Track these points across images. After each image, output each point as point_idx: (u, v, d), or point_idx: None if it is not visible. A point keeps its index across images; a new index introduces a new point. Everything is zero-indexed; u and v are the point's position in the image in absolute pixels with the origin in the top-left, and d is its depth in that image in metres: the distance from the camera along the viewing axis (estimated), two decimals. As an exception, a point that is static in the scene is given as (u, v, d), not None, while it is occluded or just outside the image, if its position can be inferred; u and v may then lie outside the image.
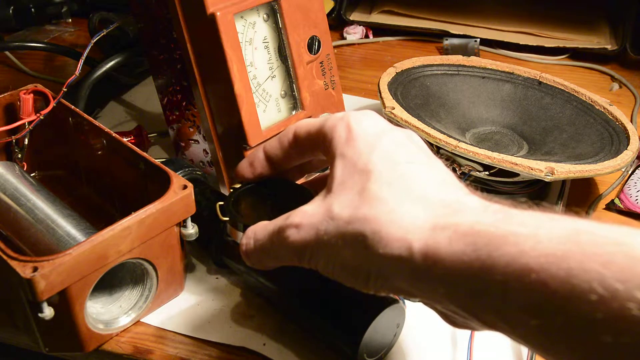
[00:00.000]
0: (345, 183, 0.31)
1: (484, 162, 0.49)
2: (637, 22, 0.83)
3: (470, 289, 0.26)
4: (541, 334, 0.25)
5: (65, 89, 0.48)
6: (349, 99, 0.68)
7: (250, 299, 0.45)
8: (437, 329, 0.42)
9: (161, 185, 0.41)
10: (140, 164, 0.44)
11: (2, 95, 0.51)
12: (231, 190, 0.40)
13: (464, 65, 0.65)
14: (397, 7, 0.90)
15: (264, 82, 0.49)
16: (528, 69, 0.65)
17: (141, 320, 0.43)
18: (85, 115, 0.49)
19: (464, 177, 0.51)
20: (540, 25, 0.87)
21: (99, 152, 0.49)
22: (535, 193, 0.54)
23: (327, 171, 0.35)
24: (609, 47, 0.82)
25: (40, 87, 0.50)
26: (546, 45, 0.83)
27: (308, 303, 0.41)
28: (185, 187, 0.41)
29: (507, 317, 0.26)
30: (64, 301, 0.36)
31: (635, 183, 0.57)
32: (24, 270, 0.34)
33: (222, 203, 0.39)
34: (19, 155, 0.52)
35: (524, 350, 0.41)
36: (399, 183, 0.30)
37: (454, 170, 0.52)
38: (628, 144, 0.53)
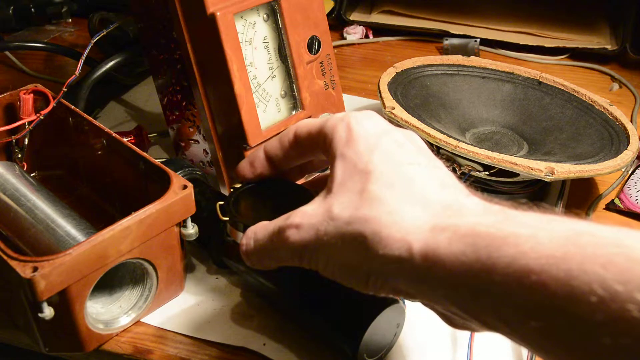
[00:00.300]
0: (345, 183, 0.31)
1: (484, 162, 0.49)
2: (637, 22, 0.83)
3: (470, 290, 0.26)
4: (541, 336, 0.25)
5: (65, 89, 0.48)
6: (349, 99, 0.68)
7: (250, 299, 0.45)
8: (437, 329, 0.42)
9: (161, 185, 0.41)
10: (140, 164, 0.44)
11: (2, 95, 0.51)
12: (231, 190, 0.40)
13: (464, 65, 0.65)
14: (397, 7, 0.90)
15: (264, 82, 0.49)
16: (528, 69, 0.65)
17: (141, 320, 0.43)
18: (85, 115, 0.49)
19: (464, 177, 0.51)
20: (540, 25, 0.87)
21: (99, 152, 0.49)
22: (535, 193, 0.54)
23: (328, 171, 0.35)
24: (609, 47, 0.82)
25: (40, 87, 0.50)
26: (546, 45, 0.83)
27: (308, 303, 0.41)
28: (185, 187, 0.41)
29: (507, 319, 0.26)
30: (64, 301, 0.36)
31: (635, 183, 0.57)
32: (24, 270, 0.34)
33: (222, 203, 0.39)
34: (19, 155, 0.52)
35: (524, 351, 0.41)
36: (399, 184, 0.30)
37: (454, 170, 0.52)
38: (628, 144, 0.53)
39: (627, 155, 0.51)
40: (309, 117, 0.51)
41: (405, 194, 0.30)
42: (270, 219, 0.35)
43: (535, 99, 0.62)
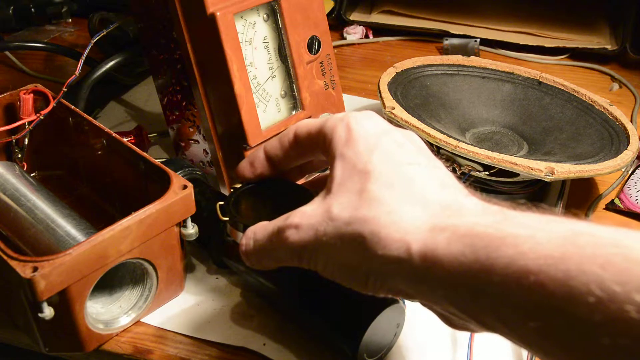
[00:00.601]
0: (344, 184, 0.31)
1: (484, 162, 0.49)
2: (637, 22, 0.83)
3: (469, 291, 0.26)
4: (539, 336, 0.24)
5: (65, 89, 0.48)
6: (349, 99, 0.68)
7: (250, 299, 0.45)
8: (437, 329, 0.42)
9: (161, 185, 0.41)
10: (140, 164, 0.44)
11: (2, 95, 0.51)
12: (231, 190, 0.40)
13: (464, 65, 0.65)
14: (397, 7, 0.90)
15: (264, 82, 0.49)
16: (528, 69, 0.65)
17: (141, 320, 0.43)
18: (85, 115, 0.49)
19: (464, 177, 0.51)
20: (540, 25, 0.87)
21: (99, 152, 0.49)
22: (535, 193, 0.54)
23: (328, 172, 0.35)
24: (609, 47, 0.82)
25: (40, 87, 0.50)
26: (546, 45, 0.83)
27: (308, 303, 0.41)
28: (185, 187, 0.41)
29: (505, 319, 0.26)
30: (64, 301, 0.36)
31: (635, 183, 0.57)
32: (24, 270, 0.34)
33: (222, 203, 0.39)
34: (19, 155, 0.52)
35: (524, 351, 0.41)
36: (399, 184, 0.30)
37: (453, 170, 0.52)
38: (628, 144, 0.53)
39: (627, 155, 0.51)
40: (309, 117, 0.51)
41: (404, 194, 0.30)
42: (270, 219, 0.35)
43: (535, 99, 0.62)
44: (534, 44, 0.83)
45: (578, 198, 0.57)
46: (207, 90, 0.48)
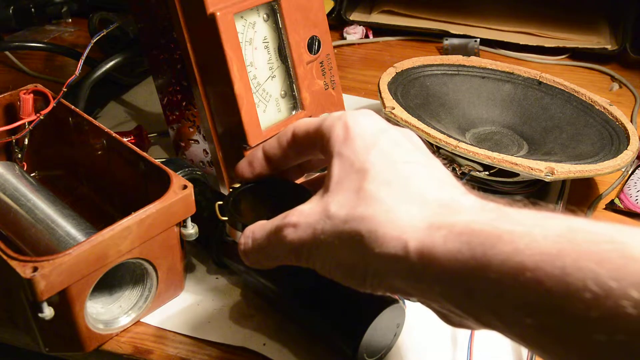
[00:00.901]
0: (342, 182, 0.31)
1: (484, 162, 0.49)
2: (637, 22, 0.83)
3: (466, 288, 0.26)
4: (536, 333, 0.25)
5: (65, 89, 0.48)
6: (349, 99, 0.68)
7: (250, 299, 0.45)
8: (437, 329, 0.42)
9: (161, 185, 0.41)
10: (140, 164, 0.44)
11: (2, 95, 0.51)
12: (230, 190, 0.40)
13: (464, 65, 0.65)
14: (397, 7, 0.90)
15: (264, 82, 0.49)
16: (528, 69, 0.65)
17: (141, 320, 0.43)
18: (85, 115, 0.49)
19: (464, 177, 0.51)
20: (540, 25, 0.87)
21: (99, 152, 0.49)
22: (535, 193, 0.54)
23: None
24: (609, 47, 0.82)
25: (40, 87, 0.50)
26: (546, 45, 0.83)
27: (308, 303, 0.41)
28: (185, 187, 0.41)
29: (503, 316, 0.26)
30: (64, 301, 0.36)
31: (635, 183, 0.57)
32: (24, 270, 0.34)
33: (221, 203, 0.39)
34: (19, 155, 0.52)
35: (524, 351, 0.41)
36: (396, 182, 0.30)
37: (453, 170, 0.52)
38: (628, 144, 0.53)
39: (627, 155, 0.51)
40: (309, 117, 0.51)
41: (402, 192, 0.30)
42: (268, 218, 0.35)
43: (535, 99, 0.62)
44: (534, 44, 0.83)
45: (578, 198, 0.57)
46: (207, 90, 0.48)
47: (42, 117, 0.49)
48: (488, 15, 0.89)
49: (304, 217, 0.32)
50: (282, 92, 0.50)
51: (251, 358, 0.41)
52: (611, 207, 0.56)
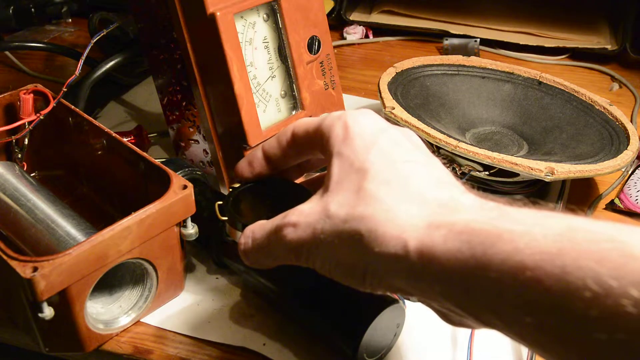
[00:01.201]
0: (342, 182, 0.31)
1: (484, 162, 0.49)
2: (637, 22, 0.83)
3: (466, 287, 0.26)
4: (536, 331, 0.25)
5: (65, 89, 0.48)
6: (349, 99, 0.68)
7: (250, 299, 0.45)
8: (437, 329, 0.42)
9: (161, 185, 0.41)
10: (140, 164, 0.44)
11: (2, 95, 0.51)
12: (230, 190, 0.40)
13: (464, 65, 0.65)
14: (397, 7, 0.90)
15: (264, 82, 0.49)
16: (528, 69, 0.65)
17: (141, 320, 0.43)
18: (85, 115, 0.49)
19: (464, 176, 0.51)
20: (540, 25, 0.87)
21: (99, 152, 0.49)
22: (535, 193, 0.54)
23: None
24: (609, 47, 0.82)
25: (40, 87, 0.50)
26: (546, 45, 0.83)
27: (308, 303, 0.41)
28: (185, 187, 0.41)
29: (503, 315, 0.26)
30: (64, 301, 0.36)
31: (635, 183, 0.57)
32: (24, 270, 0.34)
33: (221, 203, 0.39)
34: (19, 155, 0.52)
35: (524, 350, 0.41)
36: (396, 182, 0.30)
37: (453, 170, 0.52)
38: (628, 144, 0.53)
39: (627, 155, 0.51)
40: (309, 117, 0.51)
41: (401, 191, 0.30)
42: (268, 218, 0.35)
43: (535, 99, 0.62)
44: (534, 44, 0.83)
45: (578, 198, 0.57)
46: (207, 90, 0.48)
47: (42, 117, 0.49)
48: (488, 15, 0.89)
49: (304, 216, 0.32)
50: (282, 92, 0.50)
51: (251, 358, 0.41)
52: (611, 207, 0.56)
